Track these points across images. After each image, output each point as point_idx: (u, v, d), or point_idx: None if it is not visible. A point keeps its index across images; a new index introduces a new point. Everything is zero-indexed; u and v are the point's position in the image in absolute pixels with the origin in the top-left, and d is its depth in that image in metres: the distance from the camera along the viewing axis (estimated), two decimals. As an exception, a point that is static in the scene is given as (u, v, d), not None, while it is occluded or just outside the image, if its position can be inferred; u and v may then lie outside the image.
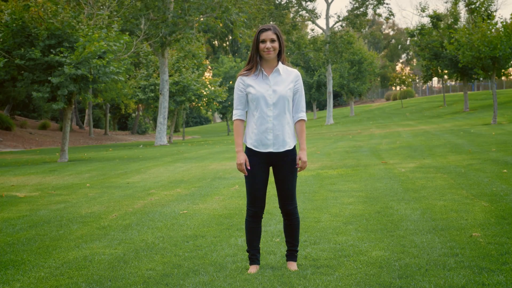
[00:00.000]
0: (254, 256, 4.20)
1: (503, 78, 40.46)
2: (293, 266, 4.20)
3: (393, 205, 6.60)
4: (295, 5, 44.41)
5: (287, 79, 4.14)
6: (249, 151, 4.15)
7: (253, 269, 4.16)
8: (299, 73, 4.23)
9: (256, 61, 4.13)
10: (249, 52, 48.23)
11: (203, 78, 37.01)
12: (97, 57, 16.62)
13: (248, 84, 4.13)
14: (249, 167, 4.11)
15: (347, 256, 4.43)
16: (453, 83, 69.61)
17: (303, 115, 4.19)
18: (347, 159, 13.13)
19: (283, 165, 4.12)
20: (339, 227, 5.54)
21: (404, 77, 55.74)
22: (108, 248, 5.10)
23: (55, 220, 6.70)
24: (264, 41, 4.08)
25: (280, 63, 4.17)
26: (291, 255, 4.25)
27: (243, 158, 4.09)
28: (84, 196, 8.91)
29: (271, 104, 4.07)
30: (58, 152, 23.39)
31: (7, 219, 6.88)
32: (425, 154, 12.94)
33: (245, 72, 4.16)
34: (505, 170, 9.02)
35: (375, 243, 4.83)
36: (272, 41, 4.08)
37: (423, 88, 75.80)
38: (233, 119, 4.19)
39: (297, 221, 4.22)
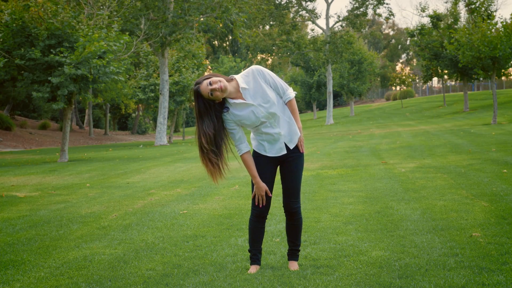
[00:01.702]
0: (255, 256, 4.19)
1: (503, 78, 40.48)
2: (294, 265, 4.20)
3: (393, 205, 6.60)
4: (295, 5, 44.42)
5: (257, 85, 3.90)
6: (256, 153, 4.06)
7: (253, 269, 4.15)
8: (257, 68, 3.93)
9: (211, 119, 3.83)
10: (249, 53, 47.97)
11: (203, 78, 36.95)
12: (97, 57, 16.63)
13: (238, 120, 3.91)
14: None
15: (347, 256, 4.43)
16: (453, 83, 69.63)
17: (289, 92, 4.00)
18: (347, 159, 13.13)
19: (291, 161, 4.06)
20: (339, 227, 5.54)
21: (404, 77, 55.73)
22: (108, 248, 5.10)
23: (55, 220, 6.70)
24: (210, 91, 3.78)
25: (236, 80, 3.90)
26: (293, 254, 4.24)
27: (263, 187, 4.01)
28: (84, 196, 8.91)
29: (268, 114, 3.91)
30: (58, 152, 23.39)
31: (7, 219, 6.88)
32: (425, 154, 12.93)
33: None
34: (505, 170, 9.02)
35: (375, 243, 4.83)
36: (211, 83, 3.77)
37: (423, 88, 75.80)
38: (239, 155, 4.00)
39: (300, 221, 4.20)
